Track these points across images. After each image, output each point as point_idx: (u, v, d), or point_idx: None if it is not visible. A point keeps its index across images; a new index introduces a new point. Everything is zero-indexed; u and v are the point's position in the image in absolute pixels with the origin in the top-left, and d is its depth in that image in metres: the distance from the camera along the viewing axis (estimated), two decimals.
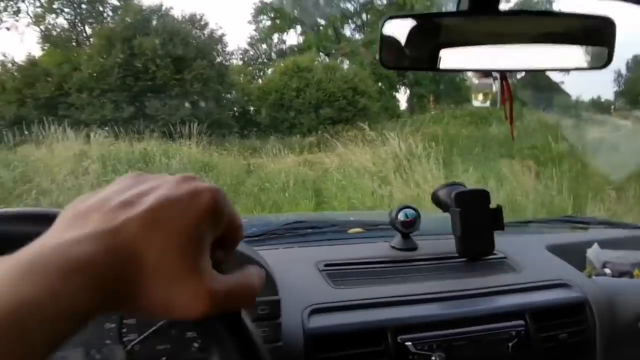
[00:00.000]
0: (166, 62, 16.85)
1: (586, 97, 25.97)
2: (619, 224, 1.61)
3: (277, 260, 0.93)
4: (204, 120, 14.01)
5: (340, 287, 0.96)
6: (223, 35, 21.08)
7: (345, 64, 22.99)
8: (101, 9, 20.87)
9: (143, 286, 0.31)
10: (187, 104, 16.76)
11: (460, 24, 0.82)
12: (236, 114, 19.86)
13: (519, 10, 0.89)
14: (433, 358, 0.85)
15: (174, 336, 0.74)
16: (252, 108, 20.19)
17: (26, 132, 10.07)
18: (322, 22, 25.79)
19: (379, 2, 25.47)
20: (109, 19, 20.36)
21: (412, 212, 1.15)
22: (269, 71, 23.71)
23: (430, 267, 1.10)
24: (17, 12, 19.87)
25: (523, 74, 28.59)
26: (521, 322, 0.94)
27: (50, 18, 20.31)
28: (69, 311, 0.28)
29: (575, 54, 0.83)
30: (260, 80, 23.28)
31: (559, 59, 0.84)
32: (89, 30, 20.78)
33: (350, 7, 25.85)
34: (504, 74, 0.97)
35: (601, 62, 0.82)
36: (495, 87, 1.17)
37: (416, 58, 0.83)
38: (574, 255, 1.25)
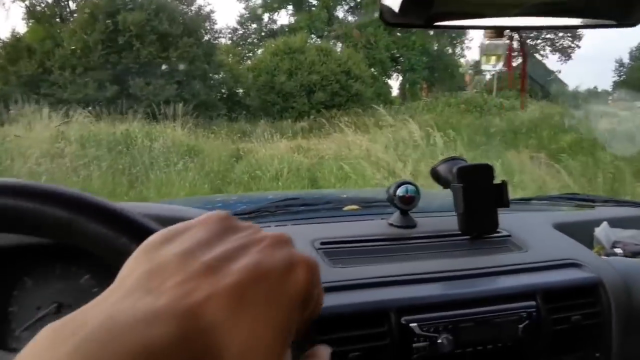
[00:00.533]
0: (151, 39, 16.24)
1: (583, 87, 25.85)
2: (627, 202, 1.55)
3: None
4: (191, 101, 13.56)
5: (338, 265, 0.93)
6: (211, 12, 20.48)
7: (338, 47, 22.51)
8: None
9: None
10: (172, 84, 16.17)
11: None
12: (224, 96, 19.36)
13: None
14: (440, 340, 0.81)
15: None
16: (241, 90, 19.69)
17: (11, 111, 9.57)
18: (314, 1, 25.28)
19: None
20: None
21: (412, 188, 1.10)
22: (259, 52, 23.20)
23: (431, 245, 1.06)
24: None
25: (520, 60, 28.71)
26: (532, 302, 0.90)
27: None
28: None
29: (600, 8, 0.72)
30: (249, 61, 22.76)
31: (583, 13, 0.73)
32: (73, 6, 19.95)
33: None
34: (513, 34, 0.83)
35: (632, 17, 0.69)
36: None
37: (420, 13, 0.74)
38: (581, 234, 1.20)
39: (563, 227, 1.21)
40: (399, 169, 5.91)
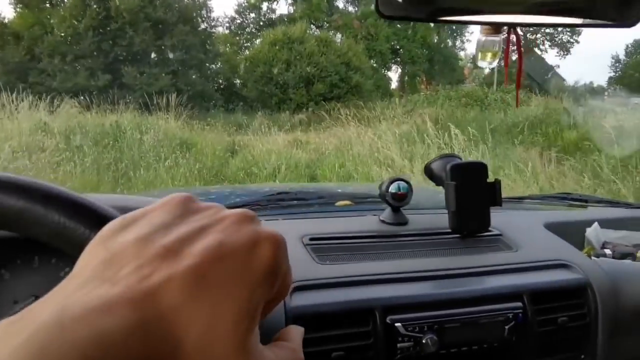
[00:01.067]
0: (145, 26, 15.81)
1: (580, 82, 25.77)
2: (620, 203, 1.57)
3: None
4: (186, 92, 13.16)
5: (325, 262, 0.91)
6: None
7: (338, 38, 22.10)
8: None
9: None
10: (167, 74, 15.69)
11: None
12: (221, 86, 18.93)
13: None
14: (424, 340, 0.80)
15: None
16: (238, 81, 19.27)
17: None
18: None
19: None
20: None
21: (404, 185, 1.09)
22: (257, 42, 22.76)
23: (421, 243, 1.04)
24: None
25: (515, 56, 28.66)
26: (519, 303, 0.89)
27: None
28: None
29: (598, 8, 0.75)
30: (247, 52, 22.30)
31: (581, 12, 0.77)
32: None
33: None
34: (510, 29, 0.85)
35: (629, 18, 0.73)
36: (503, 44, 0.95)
37: (417, 7, 0.76)
38: (573, 234, 1.20)
39: (554, 227, 1.20)
40: (408, 168, 5.47)
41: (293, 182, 5.99)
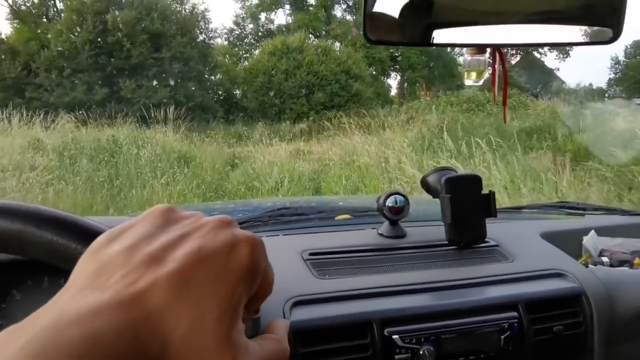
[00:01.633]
0: (142, 38, 15.56)
1: (580, 85, 25.64)
2: (617, 210, 1.57)
3: None
4: (185, 104, 12.93)
5: (324, 277, 0.92)
6: (206, 10, 19.82)
7: (336, 46, 21.98)
8: None
9: None
10: (166, 86, 15.49)
11: None
12: (221, 98, 18.74)
13: None
14: (421, 352, 0.81)
15: None
16: (237, 92, 19.10)
17: None
18: (312, 0, 24.84)
19: None
20: None
21: (400, 199, 1.10)
22: (256, 52, 22.66)
23: (419, 256, 1.05)
24: None
25: (518, 58, 28.52)
26: (514, 313, 0.90)
27: None
28: None
29: (579, 28, 0.79)
30: (246, 62, 22.18)
31: (562, 33, 0.80)
32: (60, 5, 19.21)
33: None
34: (495, 50, 0.90)
35: (607, 36, 0.77)
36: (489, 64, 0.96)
37: (405, 32, 0.79)
38: (570, 242, 1.21)
39: (551, 236, 1.20)
40: (419, 178, 5.13)
41: (296, 195, 5.72)
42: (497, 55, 0.88)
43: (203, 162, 7.47)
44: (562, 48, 30.38)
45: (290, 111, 17.22)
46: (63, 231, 0.44)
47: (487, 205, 1.07)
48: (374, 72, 22.32)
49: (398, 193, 1.12)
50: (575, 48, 30.80)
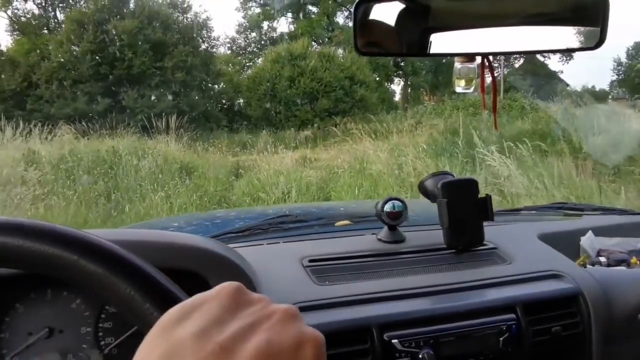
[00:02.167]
0: (144, 48, 15.43)
1: (579, 86, 25.36)
2: (614, 210, 1.57)
3: (260, 257, 0.97)
4: (188, 113, 12.71)
5: (324, 283, 0.93)
6: (208, 19, 19.60)
7: (339, 52, 21.81)
8: None
9: None
10: (169, 95, 15.26)
11: (445, 6, 0.81)
12: (224, 106, 18.53)
13: None
14: (421, 355, 0.82)
15: None
16: (241, 100, 18.91)
17: None
18: (314, 8, 24.76)
19: None
20: (82, 1, 18.59)
21: (398, 204, 1.11)
22: (259, 61, 22.53)
23: (418, 260, 1.06)
24: None
25: (521, 62, 28.34)
26: (512, 315, 0.90)
27: (17, 2, 18.61)
28: None
29: (567, 34, 0.83)
30: (249, 71, 22.02)
31: (551, 39, 0.83)
32: (61, 16, 19.10)
33: None
34: (484, 58, 0.92)
35: (594, 42, 0.80)
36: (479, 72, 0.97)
37: (395, 43, 0.81)
38: (568, 243, 1.21)
39: (549, 238, 1.20)
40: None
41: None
42: (487, 62, 0.91)
43: (206, 172, 7.17)
44: None
45: (294, 118, 17.02)
46: (143, 287, 0.44)
47: (484, 209, 1.08)
48: (377, 78, 22.13)
49: (396, 199, 1.13)
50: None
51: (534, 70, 27.96)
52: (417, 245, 1.10)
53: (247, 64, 24.91)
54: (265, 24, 25.64)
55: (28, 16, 18.77)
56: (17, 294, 0.76)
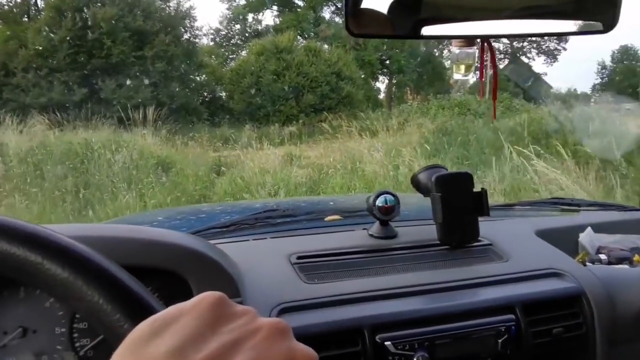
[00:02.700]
0: (124, 36, 14.93)
1: (564, 89, 25.63)
2: (612, 206, 1.54)
3: (246, 254, 0.94)
4: (168, 105, 12.30)
5: (313, 281, 0.90)
6: (191, 8, 19.11)
7: (325, 48, 21.55)
8: None
9: None
10: (148, 85, 14.78)
11: None
12: (206, 99, 18.09)
13: None
14: (415, 358, 0.79)
15: None
16: (223, 93, 18.49)
17: None
18: (300, 2, 24.43)
19: None
20: None
21: (391, 198, 1.07)
22: (243, 53, 22.13)
23: (411, 257, 1.03)
24: None
25: (506, 62, 28.44)
26: (511, 316, 0.87)
27: None
28: None
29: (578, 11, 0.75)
30: (233, 63, 21.59)
31: (556, 22, 0.76)
32: (41, 4, 18.39)
33: None
34: (484, 42, 0.87)
35: (601, 26, 0.74)
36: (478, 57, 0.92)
37: (392, 23, 0.75)
38: (566, 240, 1.18)
39: (547, 234, 1.17)
40: None
41: None
42: (487, 46, 0.87)
43: (185, 169, 6.79)
44: (550, 52, 30.52)
45: (279, 113, 16.69)
46: (113, 295, 0.40)
47: (479, 204, 1.05)
48: (362, 75, 21.94)
49: (388, 192, 1.10)
50: (564, 52, 30.95)
51: (519, 71, 28.11)
52: (409, 241, 1.08)
53: (231, 56, 24.50)
54: (250, 16, 25.22)
55: (10, 4, 18.03)
56: None
